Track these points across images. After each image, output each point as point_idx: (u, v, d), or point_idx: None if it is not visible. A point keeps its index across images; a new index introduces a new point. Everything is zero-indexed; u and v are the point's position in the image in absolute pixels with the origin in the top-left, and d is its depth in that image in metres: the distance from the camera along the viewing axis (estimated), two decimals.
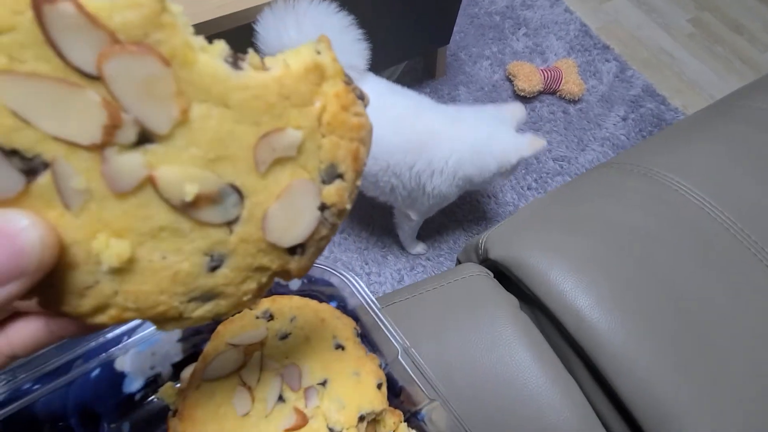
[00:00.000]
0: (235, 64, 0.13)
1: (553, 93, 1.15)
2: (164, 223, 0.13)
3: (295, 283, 0.34)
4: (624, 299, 0.36)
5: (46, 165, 0.11)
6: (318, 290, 0.34)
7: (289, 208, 0.14)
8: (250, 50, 0.13)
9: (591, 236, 0.41)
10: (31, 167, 0.11)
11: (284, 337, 0.27)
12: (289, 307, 0.29)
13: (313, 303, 0.30)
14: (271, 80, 0.13)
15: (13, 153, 0.11)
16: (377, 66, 0.98)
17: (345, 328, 0.28)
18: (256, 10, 0.59)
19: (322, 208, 0.15)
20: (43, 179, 0.12)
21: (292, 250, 0.15)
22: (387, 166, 0.66)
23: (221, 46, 0.13)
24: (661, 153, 0.50)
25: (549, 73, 1.13)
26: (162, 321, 0.15)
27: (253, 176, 0.13)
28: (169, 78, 0.11)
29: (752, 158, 0.47)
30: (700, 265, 0.39)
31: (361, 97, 0.15)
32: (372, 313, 0.29)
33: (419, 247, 0.91)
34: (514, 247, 0.42)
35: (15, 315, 0.14)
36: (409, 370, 0.27)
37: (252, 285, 0.15)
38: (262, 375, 0.25)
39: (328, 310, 0.29)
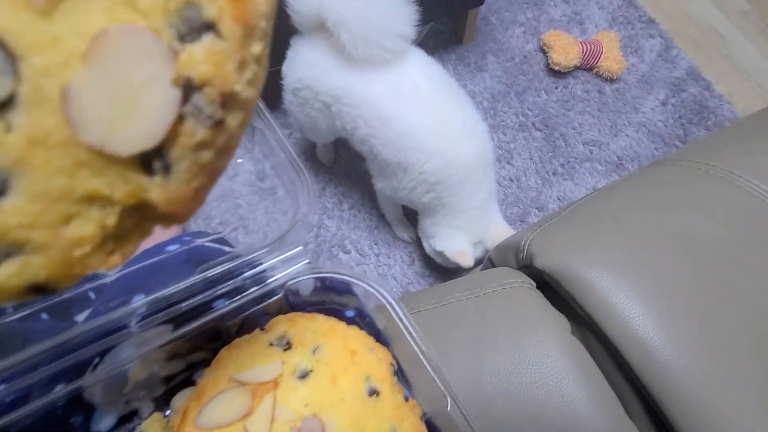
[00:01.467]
0: None
1: (590, 69, 1.05)
2: None
3: (306, 287, 0.28)
4: (704, 333, 0.30)
5: None
6: (339, 302, 0.28)
7: (111, 80, 0.08)
8: None
9: (664, 251, 0.34)
10: None
11: (304, 375, 0.22)
12: (312, 331, 0.23)
13: (341, 327, 0.24)
14: None
15: None
16: None
17: (380, 364, 0.23)
18: None
19: (187, 86, 0.08)
20: None
21: (148, 166, 0.09)
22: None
23: None
24: (738, 151, 0.43)
25: (588, 46, 1.02)
26: None
27: (26, 13, 0.07)
28: None
29: None
30: None
31: None
32: (413, 345, 0.23)
33: (406, 235, 0.83)
34: (567, 257, 0.35)
35: None
36: (459, 426, 0.21)
37: (85, 228, 0.09)
38: (274, 428, 0.20)
39: (359, 338, 0.23)
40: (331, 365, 0.22)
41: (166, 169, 0.09)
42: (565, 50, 1.01)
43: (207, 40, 0.08)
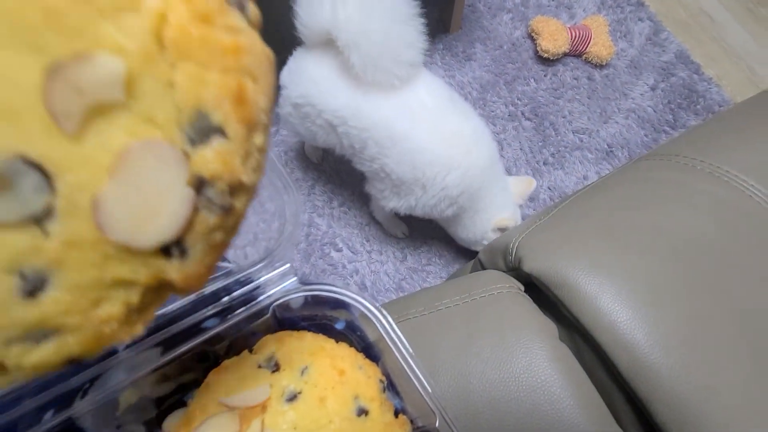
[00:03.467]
0: None
1: (579, 56, 1.04)
2: None
3: (297, 301, 0.28)
4: (692, 335, 0.31)
5: None
6: (330, 316, 0.28)
7: (134, 188, 0.09)
8: None
9: (652, 252, 0.34)
10: None
11: (292, 398, 0.22)
12: (300, 351, 0.23)
13: (330, 345, 0.24)
14: None
15: None
16: None
17: (369, 382, 0.23)
18: None
19: (199, 183, 0.10)
20: None
21: (167, 251, 0.10)
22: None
23: None
24: (726, 145, 0.43)
25: (577, 32, 1.01)
26: None
27: (58, 139, 0.09)
28: None
29: None
30: None
31: (242, 7, 0.10)
32: (402, 362, 0.24)
33: (399, 231, 0.83)
34: (554, 260, 0.36)
35: None
36: None
37: (113, 308, 0.10)
38: None
39: (348, 356, 0.23)
40: (320, 386, 0.22)
41: (183, 253, 0.10)
42: (554, 37, 0.99)
43: (215, 142, 0.10)
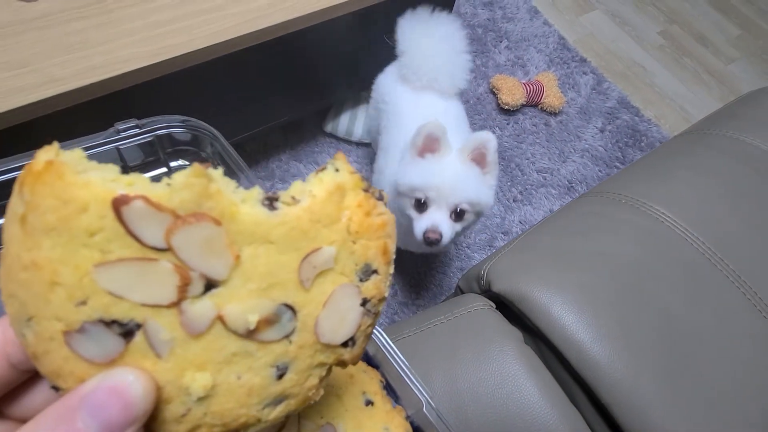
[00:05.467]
0: (270, 205, 0.15)
1: (535, 105, 1.19)
2: (235, 349, 0.15)
3: None
4: (621, 331, 0.39)
5: (138, 326, 0.14)
6: None
7: (335, 312, 0.16)
8: (280, 192, 0.16)
9: (588, 270, 0.44)
10: (127, 330, 0.14)
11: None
12: None
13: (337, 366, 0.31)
14: (302, 211, 0.15)
15: (112, 322, 0.14)
16: (366, 84, 0.99)
17: (372, 381, 0.30)
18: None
19: (364, 302, 0.17)
20: (138, 337, 0.14)
21: (344, 344, 0.17)
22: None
23: (256, 191, 0.15)
24: (645, 183, 0.54)
25: (531, 86, 1.17)
26: (243, 429, 0.16)
27: (302, 292, 0.16)
28: (221, 234, 0.14)
29: (726, 188, 0.52)
30: (688, 295, 0.43)
31: (380, 198, 0.17)
32: (395, 365, 0.31)
33: None
34: (516, 282, 0.44)
35: None
36: (434, 422, 0.29)
37: (314, 380, 0.17)
38: None
39: (357, 367, 0.31)
40: (335, 386, 0.29)
41: (353, 343, 0.17)
42: (512, 91, 1.14)
43: (373, 277, 0.17)
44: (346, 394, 0.30)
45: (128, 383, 0.13)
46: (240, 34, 0.63)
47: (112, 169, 0.14)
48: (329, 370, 0.18)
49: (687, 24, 1.47)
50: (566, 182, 1.11)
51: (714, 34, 1.45)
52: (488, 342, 0.41)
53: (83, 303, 0.14)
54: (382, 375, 0.33)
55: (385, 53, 0.80)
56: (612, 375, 0.37)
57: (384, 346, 0.32)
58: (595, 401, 0.38)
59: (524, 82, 1.18)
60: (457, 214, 0.58)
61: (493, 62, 1.26)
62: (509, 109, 1.16)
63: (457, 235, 0.61)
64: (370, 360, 0.35)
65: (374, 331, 0.33)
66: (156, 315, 0.14)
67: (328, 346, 0.16)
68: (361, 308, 0.17)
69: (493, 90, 1.19)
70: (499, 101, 1.16)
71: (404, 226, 0.64)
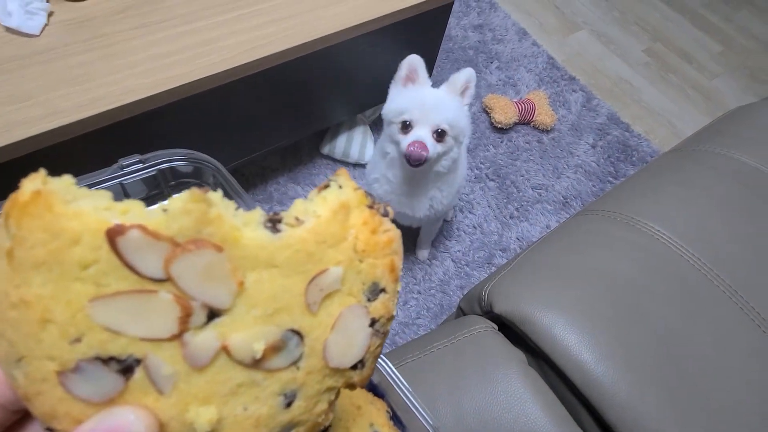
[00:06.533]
0: (273, 227, 0.15)
1: (528, 123, 1.22)
2: (240, 380, 0.15)
3: None
4: (622, 350, 0.39)
5: (138, 361, 0.13)
6: None
7: (344, 335, 0.16)
8: (283, 212, 0.15)
9: (587, 289, 0.44)
10: (126, 366, 0.13)
11: (324, 430, 0.29)
12: None
13: (347, 390, 0.31)
14: (307, 233, 0.15)
15: (110, 359, 0.13)
16: (362, 107, 1.01)
17: (379, 413, 0.30)
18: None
19: (372, 323, 0.16)
20: (138, 374, 0.14)
21: (353, 366, 0.17)
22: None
23: (258, 213, 0.15)
24: (638, 200, 0.55)
25: (522, 105, 1.19)
26: None
27: (308, 316, 0.15)
28: (224, 260, 0.13)
29: (717, 203, 0.53)
30: (685, 311, 0.43)
31: (386, 214, 0.17)
32: (401, 394, 0.31)
33: (427, 252, 1.00)
34: (517, 302, 0.45)
35: None
36: None
37: (324, 406, 0.17)
38: None
39: (361, 396, 0.31)
40: (344, 419, 0.29)
41: (362, 365, 0.17)
42: (504, 111, 1.17)
43: (381, 296, 0.16)
44: (354, 427, 0.29)
45: (129, 423, 0.13)
46: (238, 63, 0.64)
47: (104, 196, 0.13)
48: (338, 393, 0.17)
49: (670, 42, 1.52)
50: (561, 198, 1.13)
51: (697, 51, 1.50)
52: (492, 366, 0.41)
53: (78, 340, 0.13)
54: (388, 404, 0.33)
55: (381, 75, 0.82)
56: (617, 395, 0.37)
57: (389, 374, 0.32)
58: (600, 422, 0.38)
59: (516, 101, 1.21)
60: (439, 134, 0.66)
61: (485, 82, 1.29)
62: (502, 128, 1.18)
63: (439, 156, 0.67)
64: (375, 389, 0.35)
65: (382, 365, 0.33)
66: (156, 349, 0.13)
67: (337, 371, 0.16)
68: (370, 329, 0.16)
69: (486, 109, 1.21)
70: (492, 120, 1.18)
71: (396, 160, 0.72)
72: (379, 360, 0.34)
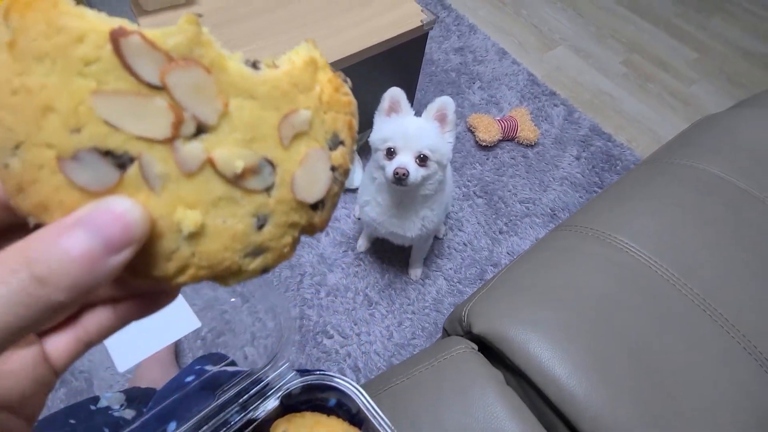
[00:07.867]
0: (255, 66, 0.17)
1: (512, 140, 1.25)
2: (221, 193, 0.16)
3: (296, 389, 0.37)
4: (596, 364, 0.41)
5: (132, 159, 0.14)
6: (322, 397, 0.37)
7: (309, 172, 0.17)
8: (264, 57, 0.17)
9: (561, 305, 0.46)
10: (122, 162, 0.14)
11: None
12: (304, 426, 0.32)
13: (324, 419, 0.33)
14: (282, 74, 0.16)
15: (107, 153, 0.14)
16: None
17: None
18: None
19: (333, 169, 0.18)
20: (132, 170, 0.14)
21: (314, 207, 0.19)
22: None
23: (240, 55, 0.16)
24: (608, 215, 0.57)
25: (505, 123, 1.23)
26: (226, 276, 0.17)
27: (280, 150, 0.17)
28: (211, 81, 0.15)
29: (686, 215, 0.55)
30: (657, 323, 0.45)
31: (346, 80, 0.19)
32: (377, 425, 0.33)
33: (363, 244, 1.03)
34: (494, 322, 0.46)
35: (85, 307, 0.16)
36: None
37: (288, 239, 0.18)
38: None
39: (339, 425, 0.32)
40: None
41: (322, 206, 0.18)
42: (488, 129, 1.20)
43: (340, 148, 0.18)
44: None
45: (125, 209, 0.14)
46: None
47: (103, 14, 0.14)
48: (300, 233, 0.19)
49: (646, 52, 1.56)
50: (549, 210, 1.15)
51: (673, 59, 1.55)
52: (470, 386, 0.42)
53: (78, 131, 0.13)
54: None
55: (366, 104, 0.85)
56: (590, 407, 0.38)
57: (365, 405, 0.34)
58: None
59: (499, 118, 1.24)
60: (421, 159, 0.70)
61: (468, 102, 1.32)
62: (487, 146, 1.21)
63: (424, 179, 0.72)
64: (352, 418, 0.36)
65: (355, 389, 0.35)
66: (150, 149, 0.14)
67: (301, 205, 0.18)
68: (331, 173, 0.18)
69: (471, 129, 1.25)
70: (477, 139, 1.21)
71: (384, 185, 0.77)
72: (357, 391, 0.35)
